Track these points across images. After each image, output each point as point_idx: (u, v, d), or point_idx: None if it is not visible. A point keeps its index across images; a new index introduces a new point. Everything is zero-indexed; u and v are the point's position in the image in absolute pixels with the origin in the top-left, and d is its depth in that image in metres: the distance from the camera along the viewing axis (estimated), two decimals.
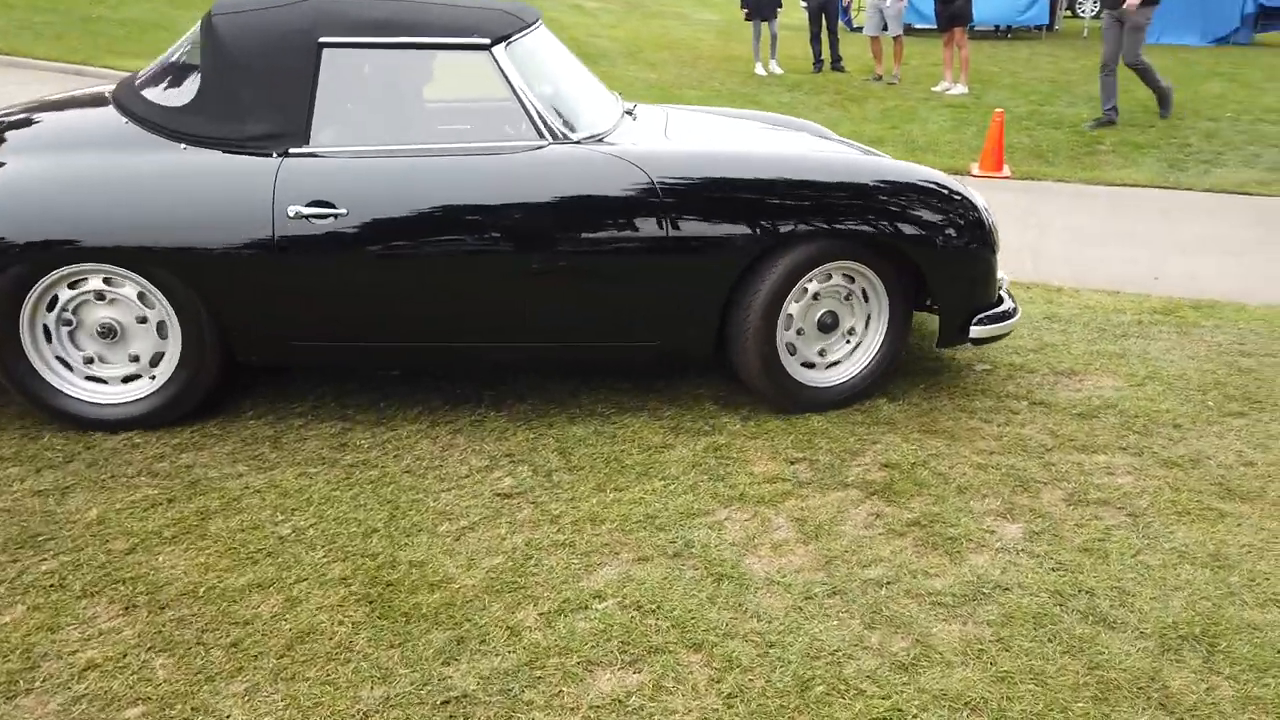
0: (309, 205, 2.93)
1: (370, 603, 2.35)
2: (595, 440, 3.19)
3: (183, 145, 2.99)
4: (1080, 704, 2.05)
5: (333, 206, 2.93)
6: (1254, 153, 8.14)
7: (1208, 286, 4.91)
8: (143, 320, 3.06)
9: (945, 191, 3.35)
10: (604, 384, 3.58)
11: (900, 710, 2.03)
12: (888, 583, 2.47)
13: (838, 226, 3.16)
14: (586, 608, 2.35)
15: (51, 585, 2.38)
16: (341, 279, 3.03)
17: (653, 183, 3.05)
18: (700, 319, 3.21)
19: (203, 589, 2.39)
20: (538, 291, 3.11)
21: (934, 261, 3.30)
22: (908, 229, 3.24)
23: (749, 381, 3.34)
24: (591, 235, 3.07)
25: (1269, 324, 4.34)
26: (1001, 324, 3.46)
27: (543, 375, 3.62)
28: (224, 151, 2.98)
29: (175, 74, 3.21)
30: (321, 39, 2.99)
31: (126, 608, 2.31)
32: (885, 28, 11.33)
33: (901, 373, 3.71)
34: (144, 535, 2.60)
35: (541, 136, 3.08)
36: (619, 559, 2.56)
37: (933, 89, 10.97)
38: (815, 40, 12.30)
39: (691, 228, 3.08)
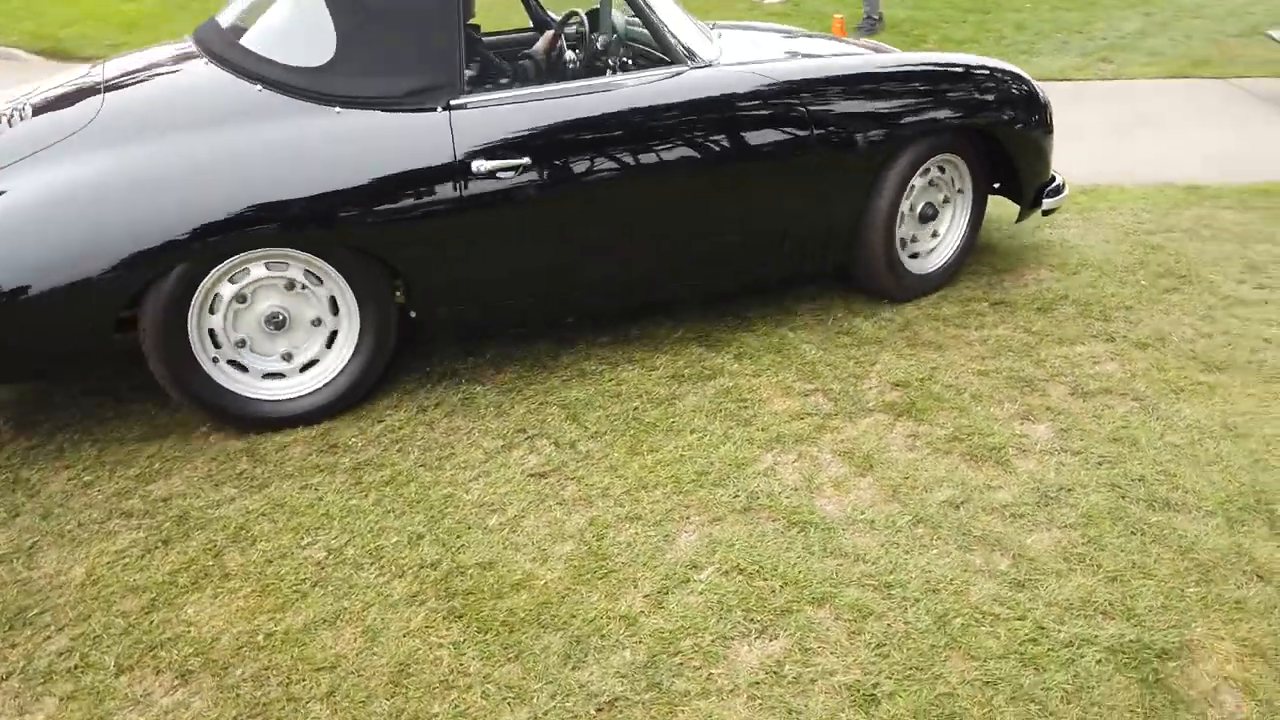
0: (493, 158, 2.75)
1: (459, 617, 2.14)
2: (601, 401, 3.02)
3: (335, 108, 2.70)
4: (1192, 589, 2.16)
5: (515, 156, 2.78)
6: (1062, 40, 8.71)
7: (1081, 173, 5.23)
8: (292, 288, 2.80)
9: (1017, 75, 3.63)
10: (580, 340, 3.39)
11: (1043, 628, 2.07)
12: (960, 503, 2.49)
13: (949, 120, 3.38)
14: (689, 581, 2.24)
15: (76, 667, 2.01)
16: (529, 228, 2.90)
17: (798, 95, 3.14)
18: (843, 227, 3.39)
19: (260, 636, 2.08)
20: (706, 218, 3.16)
21: (1018, 143, 3.58)
22: (1001, 115, 3.50)
23: (872, 280, 3.56)
24: (754, 154, 3.11)
25: (1151, 201, 4.68)
26: (1062, 195, 3.84)
27: (512, 340, 3.38)
28: (384, 110, 2.72)
29: (285, 26, 2.87)
30: None
31: (181, 676, 1.98)
32: None
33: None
34: (156, 588, 2.24)
35: (681, 62, 3.09)
36: (692, 523, 2.45)
37: None
38: None
39: (835, 137, 3.19)
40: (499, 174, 2.77)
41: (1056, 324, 3.45)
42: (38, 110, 2.81)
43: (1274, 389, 2.96)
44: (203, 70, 2.86)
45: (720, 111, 3.05)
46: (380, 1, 2.73)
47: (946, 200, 3.65)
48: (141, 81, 2.93)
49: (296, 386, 2.86)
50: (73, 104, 2.79)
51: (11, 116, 2.79)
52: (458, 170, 2.73)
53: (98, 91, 2.82)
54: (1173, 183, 4.93)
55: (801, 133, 3.14)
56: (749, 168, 3.13)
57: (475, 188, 2.76)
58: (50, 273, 2.43)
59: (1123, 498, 2.48)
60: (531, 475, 2.66)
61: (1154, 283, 3.76)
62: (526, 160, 2.79)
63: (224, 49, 2.88)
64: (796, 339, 3.40)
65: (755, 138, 3.10)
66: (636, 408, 2.99)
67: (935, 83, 3.41)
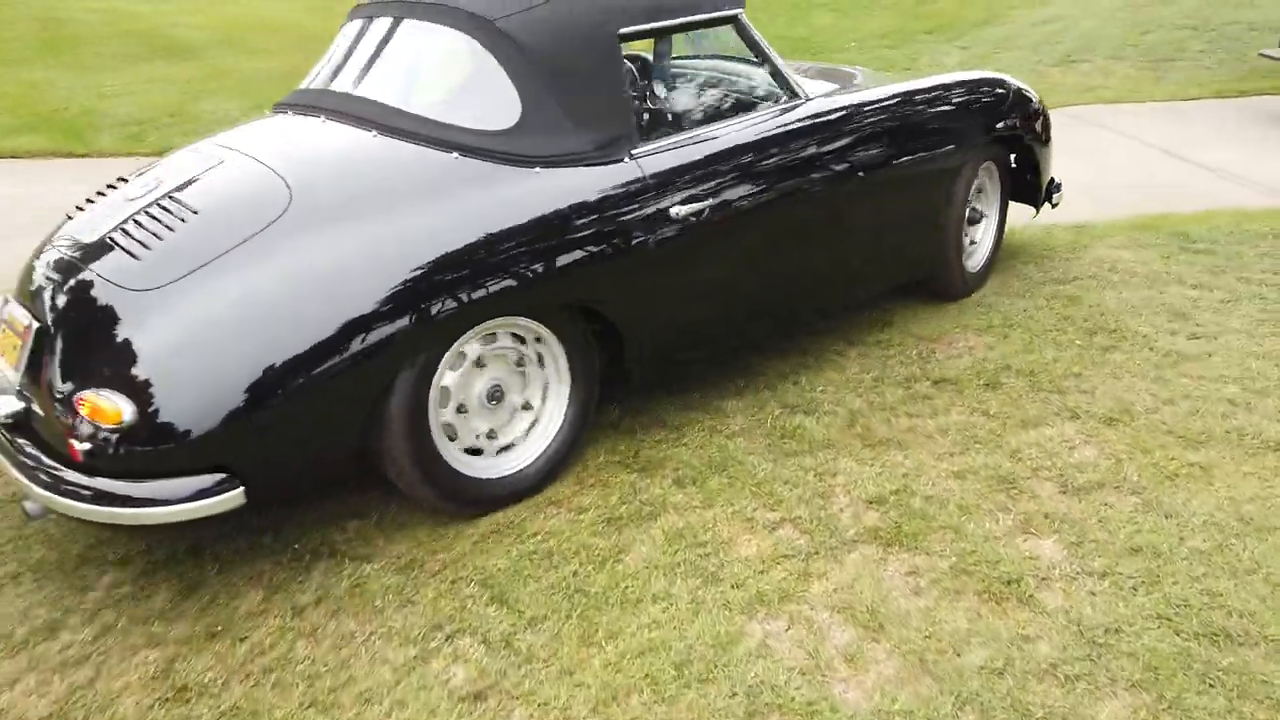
0: (686, 201, 2.80)
1: None
2: (530, 568, 2.43)
3: (536, 169, 2.63)
4: None
5: (703, 195, 2.85)
6: None
7: None
8: (520, 365, 2.72)
9: (1028, 90, 4.03)
10: None
11: None
12: (1003, 668, 2.05)
13: (995, 130, 3.77)
14: None
15: None
16: (715, 261, 2.96)
17: (893, 117, 3.42)
18: (929, 235, 3.71)
19: None
20: (838, 236, 3.34)
21: (1039, 148, 4.05)
22: (1026, 124, 3.93)
23: (949, 283, 3.89)
24: (869, 173, 3.30)
25: (1044, 244, 4.52)
26: (1061, 190, 4.31)
27: (382, 493, 2.73)
28: (579, 166, 2.69)
29: (457, 90, 2.83)
30: (620, 30, 2.82)
31: None
32: None
33: (785, 380, 3.32)
34: None
35: (795, 96, 3.24)
36: None
37: None
38: None
39: (926, 151, 3.51)
40: (691, 214, 2.80)
41: (1012, 402, 3.13)
42: (196, 196, 2.51)
43: (1266, 463, 2.71)
44: (373, 142, 2.66)
45: (839, 137, 3.23)
46: (558, 60, 2.71)
47: (984, 203, 4.00)
48: (307, 158, 2.69)
49: (510, 462, 2.72)
50: (245, 186, 2.54)
51: (155, 205, 2.49)
52: (658, 215, 2.75)
53: (263, 167, 2.57)
54: (1057, 222, 4.81)
55: (901, 149, 3.43)
56: (866, 186, 3.32)
57: (673, 230, 2.78)
58: (297, 373, 2.22)
59: (1178, 633, 2.11)
60: (463, 699, 2.03)
61: (1089, 341, 3.52)
62: (712, 200, 2.86)
63: (382, 116, 2.71)
64: (737, 449, 2.92)
65: (869, 158, 3.31)
66: (576, 572, 2.41)
67: (981, 98, 3.77)
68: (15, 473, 2.27)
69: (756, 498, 2.68)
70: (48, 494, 2.19)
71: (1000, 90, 3.84)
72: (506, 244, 2.49)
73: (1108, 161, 5.93)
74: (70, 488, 2.19)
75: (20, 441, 2.34)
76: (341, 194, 2.50)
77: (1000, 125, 3.77)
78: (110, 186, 2.76)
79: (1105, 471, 2.72)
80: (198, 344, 2.21)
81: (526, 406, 2.76)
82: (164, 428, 2.14)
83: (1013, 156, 4.04)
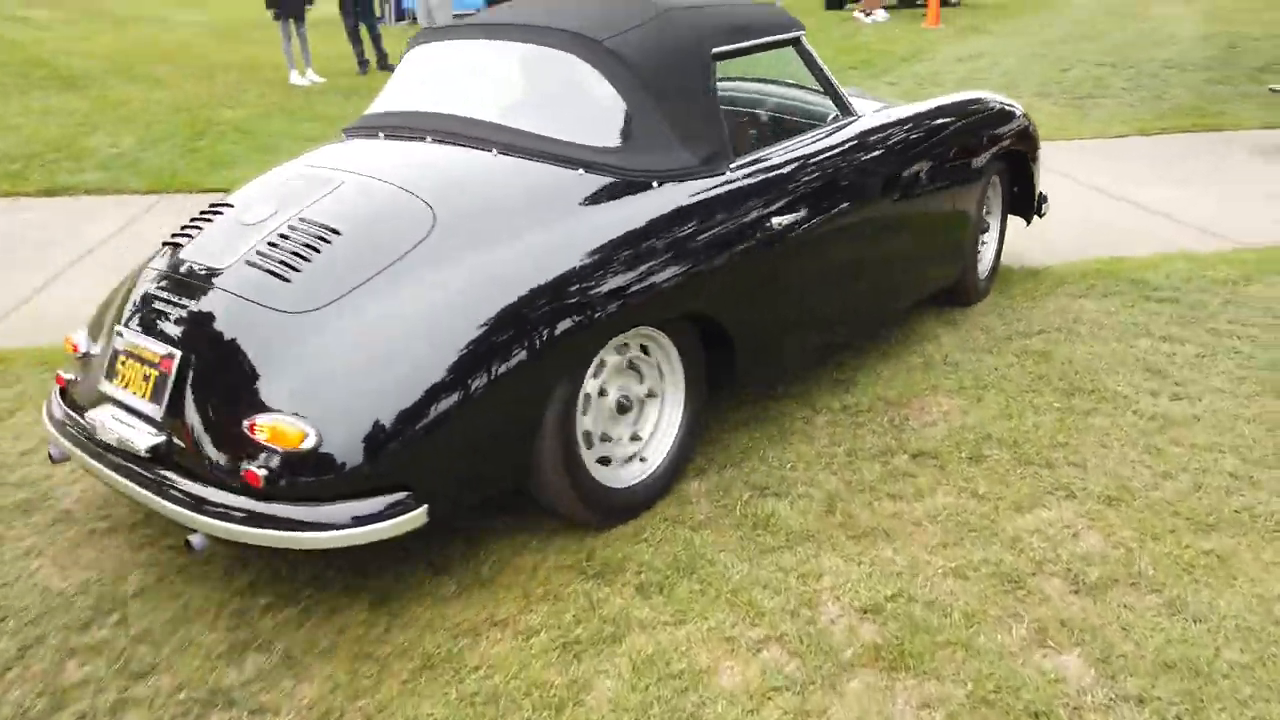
0: (783, 211, 2.94)
1: None
2: (468, 717, 2.02)
3: (654, 184, 2.74)
4: None
5: (797, 205, 2.99)
6: None
7: None
8: (641, 373, 2.77)
9: (1021, 109, 4.28)
10: (409, 592, 2.37)
11: None
12: None
13: (1005, 145, 4.05)
14: None
15: None
16: (806, 268, 3.09)
17: (934, 133, 3.67)
18: (961, 243, 3.95)
19: None
20: (897, 242, 3.56)
21: (1034, 159, 4.32)
22: (1025, 140, 4.22)
23: (970, 286, 4.11)
24: (918, 183, 3.55)
25: (1001, 293, 4.31)
26: (1048, 201, 4.56)
27: (320, 605, 2.29)
28: (690, 180, 2.80)
29: (569, 108, 2.90)
30: (713, 50, 2.98)
31: None
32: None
33: (751, 455, 2.99)
34: None
35: (848, 113, 3.44)
36: None
37: None
38: (354, 39, 10.97)
39: (962, 162, 3.79)
40: (787, 224, 2.94)
41: (1000, 479, 2.85)
42: (333, 218, 2.48)
43: None
44: (497, 161, 2.72)
45: (892, 150, 3.47)
46: (661, 78, 2.81)
47: (989, 213, 4.22)
48: (438, 178, 2.69)
49: (634, 470, 2.75)
50: (385, 208, 2.55)
51: (288, 229, 2.47)
52: (760, 225, 2.86)
53: (395, 189, 2.59)
54: (1008, 266, 4.62)
55: (940, 162, 3.66)
56: (915, 195, 3.55)
57: (773, 239, 2.90)
58: (469, 387, 2.23)
59: None
60: None
61: (1068, 404, 3.28)
62: (802, 210, 3.00)
63: (497, 135, 2.78)
64: (706, 545, 2.57)
65: (916, 169, 3.54)
66: (517, 707, 2.01)
67: (991, 115, 4.04)
68: (174, 506, 2.17)
69: (734, 609, 2.32)
70: (220, 524, 2.11)
71: (1003, 108, 4.16)
72: (639, 256, 2.56)
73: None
74: (247, 516, 2.11)
75: (165, 474, 2.23)
76: (483, 212, 2.55)
77: (1007, 140, 4.07)
78: (212, 211, 2.70)
79: (1116, 564, 2.44)
80: (367, 362, 2.21)
81: (648, 402, 2.80)
82: (348, 448, 2.11)
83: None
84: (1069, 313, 4.05)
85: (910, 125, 3.61)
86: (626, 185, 2.68)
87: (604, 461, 2.66)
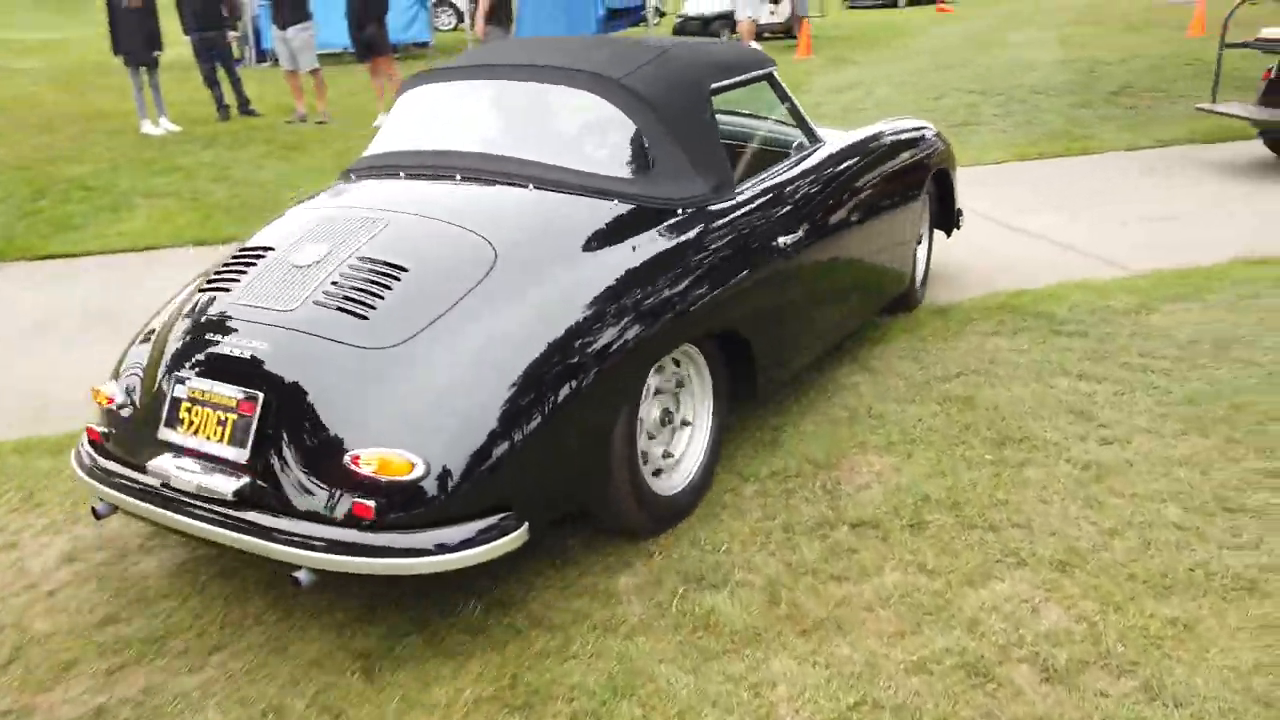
0: (785, 232, 3.16)
1: None
2: None
3: (678, 210, 2.90)
4: None
5: (795, 227, 3.22)
6: None
7: None
8: (681, 386, 2.93)
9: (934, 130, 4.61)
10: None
11: None
12: None
13: (937, 163, 4.41)
14: None
15: None
16: (806, 285, 3.33)
17: (889, 153, 3.99)
18: (912, 254, 4.30)
19: None
20: (873, 255, 3.84)
21: (954, 177, 4.68)
22: (948, 158, 4.57)
23: (916, 296, 4.47)
24: (883, 199, 3.89)
25: (907, 333, 4.21)
26: (963, 215, 4.88)
27: None
28: (708, 208, 2.98)
29: (597, 143, 3.06)
30: (711, 85, 3.19)
31: None
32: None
33: (681, 537, 2.74)
34: None
35: (814, 139, 3.69)
36: None
37: (374, 124, 9.86)
38: (212, 83, 10.35)
39: (911, 178, 4.14)
40: (791, 242, 3.17)
41: (946, 548, 2.67)
42: (394, 256, 2.53)
43: (1249, 612, 2.36)
44: (539, 196, 2.83)
45: (858, 170, 3.73)
46: (672, 111, 2.99)
47: (922, 226, 4.48)
48: (489, 215, 2.76)
49: (674, 480, 2.88)
50: (445, 245, 2.62)
51: (349, 269, 2.50)
52: (768, 244, 3.08)
53: (449, 225, 2.68)
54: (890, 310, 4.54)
55: (898, 179, 4.03)
56: (881, 209, 3.88)
57: (780, 256, 3.12)
58: (550, 409, 2.33)
59: None
60: None
61: (1000, 456, 3.15)
62: (801, 229, 3.23)
63: (525, 169, 2.89)
64: (642, 655, 2.30)
65: (880, 186, 3.88)
66: None
67: (926, 137, 4.44)
68: (277, 546, 2.17)
69: None
70: (330, 557, 2.13)
71: (931, 131, 4.53)
72: (678, 277, 2.73)
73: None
74: (359, 547, 2.13)
75: (253, 516, 2.23)
76: (538, 244, 2.66)
77: (938, 159, 4.42)
78: (249, 255, 2.69)
79: (1083, 642, 2.28)
80: (456, 392, 2.29)
81: (685, 424, 2.95)
82: (453, 473, 2.18)
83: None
84: (984, 353, 3.97)
85: (869, 148, 3.92)
86: (656, 213, 2.85)
87: (655, 473, 2.80)
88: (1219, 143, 7.85)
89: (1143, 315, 4.25)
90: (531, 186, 2.84)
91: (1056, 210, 6.15)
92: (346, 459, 2.17)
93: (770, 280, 3.10)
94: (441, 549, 2.15)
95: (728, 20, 14.48)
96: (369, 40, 9.60)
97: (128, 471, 2.44)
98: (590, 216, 2.75)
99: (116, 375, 2.69)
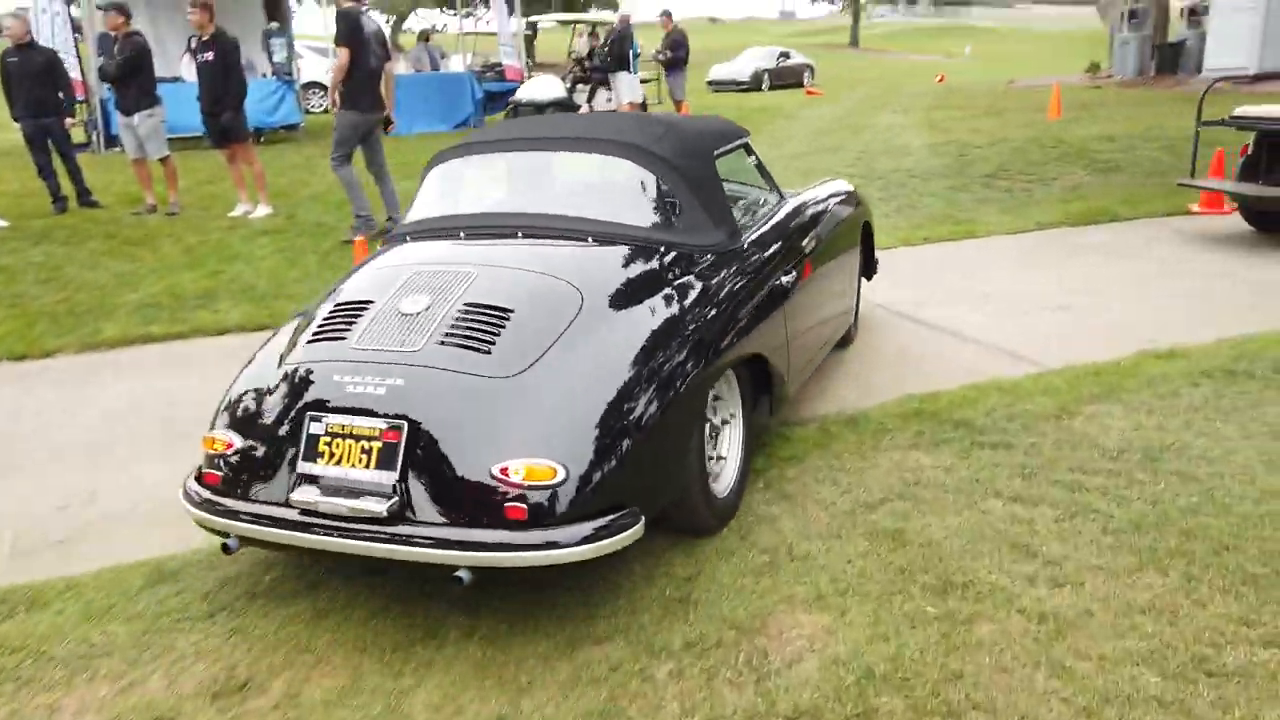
0: (785, 272, 3.71)
1: None
2: None
3: (710, 256, 3.39)
4: None
5: (790, 266, 3.80)
6: None
7: None
8: (719, 399, 3.31)
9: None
10: None
11: None
12: None
13: (865, 220, 5.17)
14: None
15: None
16: (800, 316, 3.86)
17: (838, 208, 4.69)
18: (852, 298, 5.00)
19: None
20: (833, 299, 4.53)
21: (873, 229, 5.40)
22: (869, 214, 5.32)
23: (851, 335, 5.11)
24: (834, 246, 4.46)
25: (812, 452, 3.82)
26: (878, 261, 5.53)
27: None
28: (730, 252, 3.49)
29: (637, 202, 3.51)
30: (714, 151, 3.78)
31: None
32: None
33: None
34: None
35: (781, 197, 4.33)
36: None
37: (231, 214, 9.15)
38: (47, 173, 9.44)
39: (848, 228, 4.78)
40: (789, 280, 3.71)
41: None
42: (496, 300, 2.91)
43: None
44: (595, 248, 3.28)
45: (822, 220, 4.38)
46: (691, 172, 3.54)
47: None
48: (567, 264, 3.17)
49: (719, 486, 3.26)
50: (538, 290, 3.00)
51: (459, 315, 2.86)
52: (774, 282, 3.61)
53: (536, 275, 3.09)
54: (827, 415, 4.18)
55: (846, 228, 4.67)
56: (837, 253, 4.49)
57: (782, 291, 3.65)
58: (653, 421, 2.74)
59: None
60: None
61: (944, 609, 2.74)
62: (795, 268, 3.81)
63: (582, 226, 3.35)
64: None
65: (838, 234, 4.53)
66: None
67: (855, 194, 5.12)
68: (435, 551, 2.48)
69: None
70: (493, 555, 2.46)
71: (855, 190, 5.18)
72: (723, 311, 3.20)
73: None
74: (512, 545, 2.47)
75: (407, 530, 2.53)
76: (612, 287, 3.07)
77: (864, 213, 5.11)
78: (350, 311, 2.98)
79: None
80: (575, 409, 2.67)
81: (724, 429, 3.36)
82: (588, 477, 2.57)
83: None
84: (905, 471, 3.61)
85: (825, 202, 4.60)
86: (691, 258, 3.33)
87: (712, 478, 3.19)
88: (1092, 224, 7.98)
89: (1065, 420, 3.99)
90: (590, 240, 3.29)
91: (954, 298, 5.98)
92: (494, 470, 2.52)
93: (779, 312, 3.60)
94: (585, 540, 2.49)
95: (559, 108, 14.06)
96: (225, 127, 8.93)
97: (261, 507, 2.68)
98: (645, 262, 3.23)
99: (229, 425, 2.88)
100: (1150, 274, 6.35)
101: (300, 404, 2.77)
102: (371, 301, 2.99)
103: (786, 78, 28.89)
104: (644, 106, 14.69)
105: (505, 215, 3.53)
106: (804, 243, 4.05)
